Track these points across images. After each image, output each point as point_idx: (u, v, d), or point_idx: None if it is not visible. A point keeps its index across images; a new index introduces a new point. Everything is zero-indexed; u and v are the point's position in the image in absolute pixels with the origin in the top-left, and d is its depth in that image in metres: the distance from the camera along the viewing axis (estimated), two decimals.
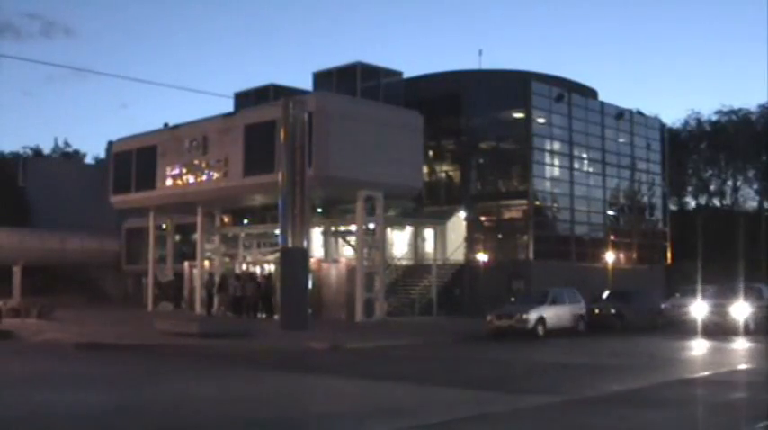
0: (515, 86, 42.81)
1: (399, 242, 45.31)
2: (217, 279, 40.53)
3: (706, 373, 19.07)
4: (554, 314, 30.88)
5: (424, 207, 43.69)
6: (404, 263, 43.78)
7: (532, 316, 29.97)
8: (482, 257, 42.51)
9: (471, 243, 43.54)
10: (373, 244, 36.92)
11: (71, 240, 54.10)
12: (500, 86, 43.52)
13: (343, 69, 40.03)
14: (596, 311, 33.71)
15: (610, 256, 43.46)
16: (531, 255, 41.45)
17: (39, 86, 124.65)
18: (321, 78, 40.68)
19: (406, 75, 42.32)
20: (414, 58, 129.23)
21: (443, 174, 46.12)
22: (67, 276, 53.34)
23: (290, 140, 29.81)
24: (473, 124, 44.60)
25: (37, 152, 79.04)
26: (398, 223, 43.70)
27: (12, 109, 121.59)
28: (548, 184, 43.78)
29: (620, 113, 47.78)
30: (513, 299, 33.95)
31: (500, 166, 45.00)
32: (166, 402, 14.14)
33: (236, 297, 38.60)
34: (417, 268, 42.96)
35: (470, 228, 43.89)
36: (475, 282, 41.41)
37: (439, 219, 43.65)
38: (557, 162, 44.30)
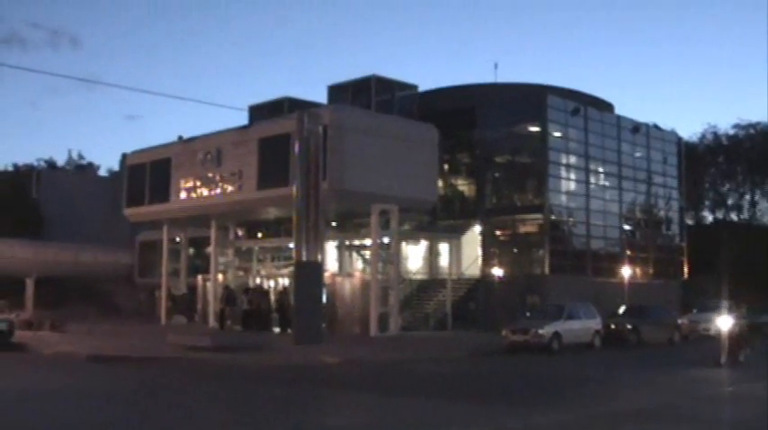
0: (531, 100, 42.87)
1: (414, 256, 45.33)
2: (220, 290, 40.71)
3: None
4: (570, 329, 30.83)
5: (439, 221, 43.72)
6: (418, 277, 43.77)
7: (548, 331, 29.92)
8: (497, 272, 42.46)
9: (486, 257, 43.51)
10: (388, 258, 36.97)
11: (84, 253, 54.36)
12: (515, 100, 43.60)
13: (357, 82, 40.22)
14: (612, 326, 33.61)
15: (626, 271, 43.35)
16: (546, 270, 41.40)
17: (45, 98, 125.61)
18: (336, 91, 40.88)
19: (421, 88, 42.57)
20: (429, 71, 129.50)
21: (458, 188, 46.17)
22: (80, 289, 53.55)
23: (305, 154, 29.99)
24: (488, 138, 44.66)
25: (51, 164, 79.52)
26: (413, 237, 43.73)
27: (22, 121, 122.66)
28: (563, 198, 43.75)
29: (637, 127, 47.76)
30: (528, 313, 33.90)
31: (515, 180, 45.00)
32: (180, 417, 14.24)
33: (244, 311, 38.72)
34: (432, 282, 42.95)
35: (485, 242, 43.87)
36: (490, 296, 41.38)
37: (454, 234, 43.68)
38: (572, 176, 44.28)
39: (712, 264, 48.81)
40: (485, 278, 42.43)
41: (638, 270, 46.25)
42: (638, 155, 48.10)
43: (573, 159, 44.28)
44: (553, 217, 42.80)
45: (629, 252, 46.27)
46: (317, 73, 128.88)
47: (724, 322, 26.57)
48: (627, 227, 47.48)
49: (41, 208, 61.02)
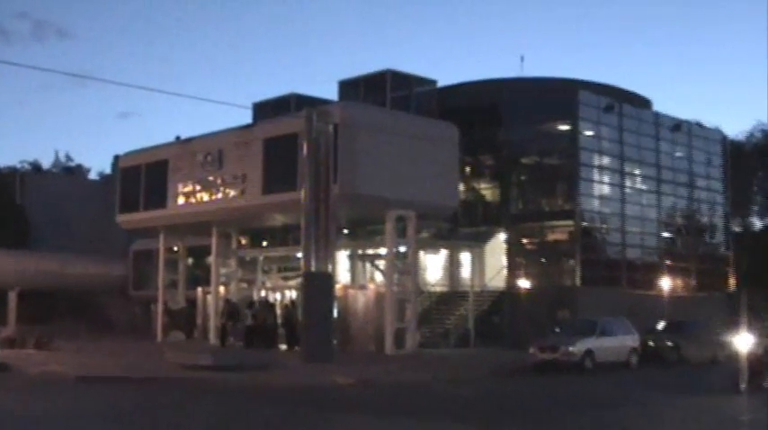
0: (560, 96, 42.98)
1: (433, 267, 45.50)
2: (221, 304, 41.00)
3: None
4: (603, 346, 30.87)
5: (461, 228, 43.87)
6: (438, 289, 43.92)
7: (580, 348, 30.00)
8: (524, 283, 42.56)
9: (512, 268, 43.62)
10: (404, 269, 37.13)
11: (73, 263, 54.75)
12: (544, 96, 43.70)
13: (371, 77, 40.44)
14: (650, 344, 33.65)
15: (665, 283, 43.33)
16: (577, 281, 41.46)
17: (32, 95, 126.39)
18: (347, 87, 41.11)
19: (441, 83, 42.70)
20: (448, 65, 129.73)
21: (481, 193, 46.31)
22: (69, 303, 53.88)
23: (314, 155, 30.21)
24: (514, 137, 44.80)
25: (36, 167, 79.98)
26: (432, 246, 43.88)
27: (4, 119, 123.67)
28: (596, 203, 43.81)
29: (677, 125, 47.76)
30: (558, 329, 33.98)
31: (544, 184, 45.12)
32: None
33: (248, 326, 38.96)
34: (453, 295, 43.09)
35: (511, 251, 43.99)
36: (516, 310, 41.46)
37: (476, 242, 43.82)
38: (606, 179, 44.35)
39: (762, 276, 48.71)
40: (510, 290, 42.53)
41: (678, 282, 46.23)
42: (678, 155, 48.13)
43: (606, 160, 44.36)
44: (585, 223, 42.88)
45: (668, 262, 46.28)
46: (327, 68, 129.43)
47: (743, 342, 25.00)
48: (666, 234, 47.51)
49: (26, 214, 61.41)
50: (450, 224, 42.56)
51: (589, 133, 43.44)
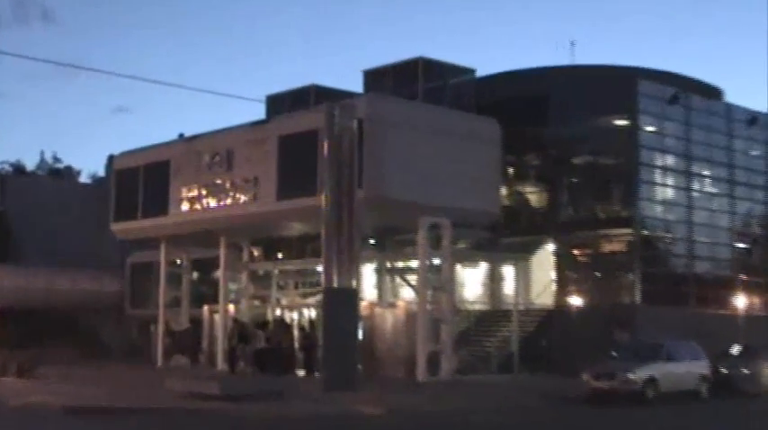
0: (617, 86, 43.03)
1: (471, 281, 45.69)
2: (230, 324, 41.43)
3: None
4: (668, 373, 30.94)
5: (503, 238, 44.00)
6: (477, 307, 44.11)
7: (640, 375, 30.09)
8: (575, 301, 42.68)
9: (561, 283, 43.73)
10: (439, 284, 37.37)
11: (61, 278, 55.28)
12: (598, 86, 43.73)
13: (400, 66, 40.68)
14: (723, 371, 33.68)
15: (739, 301, 43.29)
16: (637, 299, 41.51)
17: (14, 86, 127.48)
18: (373, 77, 41.37)
19: (479, 73, 42.89)
20: (488, 52, 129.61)
21: (526, 197, 46.47)
22: (57, 323, 54.23)
23: (336, 155, 30.53)
24: (563, 134, 44.88)
25: (19, 168, 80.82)
26: (470, 258, 44.08)
27: None
28: (658, 209, 43.86)
29: (753, 118, 47.65)
30: (615, 353, 34.11)
31: (598, 187, 45.16)
32: None
33: (261, 350, 39.39)
34: (494, 314, 43.27)
35: (560, 264, 44.09)
36: (566, 331, 41.54)
37: (521, 254, 43.93)
38: (670, 181, 44.38)
39: None
40: (560, 309, 42.64)
41: (754, 299, 46.12)
42: (755, 153, 48.05)
43: (670, 160, 44.40)
44: (646, 232, 42.93)
45: (743, 276, 46.19)
46: (350, 56, 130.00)
47: None
48: (741, 245, 47.40)
49: (7, 222, 62.07)
50: (491, 233, 42.71)
51: (650, 128, 43.51)
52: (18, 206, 62.25)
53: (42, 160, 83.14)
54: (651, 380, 30.22)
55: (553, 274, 44.04)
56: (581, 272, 44.74)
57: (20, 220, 61.35)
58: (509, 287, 44.48)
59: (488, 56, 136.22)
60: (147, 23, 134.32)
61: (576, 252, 45.06)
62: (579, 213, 45.39)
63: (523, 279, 43.89)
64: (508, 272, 44.94)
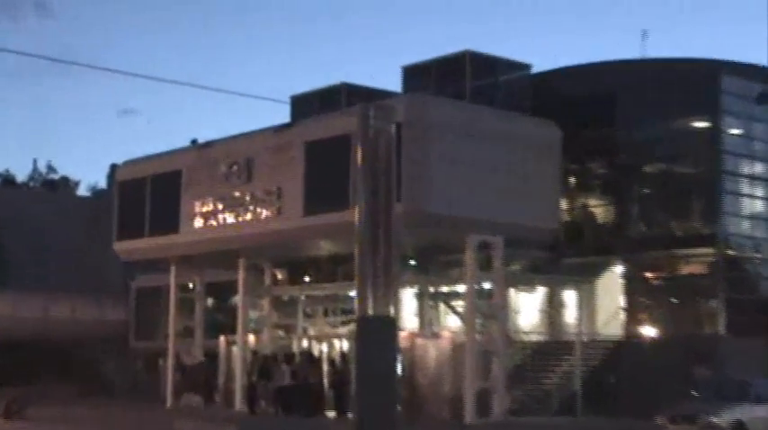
0: (696, 82, 42.91)
1: (527, 308, 45.67)
2: (250, 357, 41.70)
3: None
4: (759, 417, 30.82)
5: (563, 258, 44.00)
6: (534, 338, 44.11)
7: (726, 419, 30.02)
8: (648, 331, 42.60)
9: (632, 310, 43.58)
10: (490, 311, 37.52)
11: (57, 305, 55.93)
12: (674, 83, 43.56)
13: (445, 62, 40.87)
14: None
15: None
16: (721, 329, 41.34)
17: (3, 84, 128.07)
18: (414, 74, 41.60)
19: (536, 68, 43.07)
20: (545, 44, 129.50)
21: (591, 211, 46.46)
22: (51, 356, 54.85)
23: (370, 163, 30.52)
24: (634, 138, 44.80)
25: (8, 180, 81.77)
26: (526, 281, 44.12)
27: None
28: (746, 225, 43.64)
29: None
30: (695, 393, 34.07)
31: (674, 199, 45.07)
32: None
33: (285, 387, 39.67)
34: (554, 346, 43.25)
35: (630, 288, 43.96)
36: (637, 366, 41.45)
37: (584, 277, 43.93)
38: (759, 192, 44.20)
39: None
40: (629, 340, 42.54)
41: None
42: None
43: (759, 167, 44.19)
44: (730, 252, 42.70)
45: None
46: (386, 50, 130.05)
47: None
48: None
49: None
50: (550, 253, 42.66)
51: (736, 131, 43.37)
52: (6, 223, 62.88)
53: (35, 170, 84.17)
54: (739, 425, 30.12)
55: (622, 301, 43.88)
56: (654, 297, 44.59)
57: (8, 239, 62.02)
58: (571, 315, 44.50)
59: (546, 49, 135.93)
60: (151, 17, 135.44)
61: (648, 275, 44.90)
62: (652, 230, 45.22)
63: (587, 305, 43.91)
64: (570, 297, 44.98)
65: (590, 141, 43.85)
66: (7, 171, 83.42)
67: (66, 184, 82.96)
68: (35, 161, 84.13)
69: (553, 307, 45.40)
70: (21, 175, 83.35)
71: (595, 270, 44.32)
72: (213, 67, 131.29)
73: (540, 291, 45.69)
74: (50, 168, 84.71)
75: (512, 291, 42.58)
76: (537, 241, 39.39)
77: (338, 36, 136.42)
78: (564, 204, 42.42)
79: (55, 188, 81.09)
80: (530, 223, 36.88)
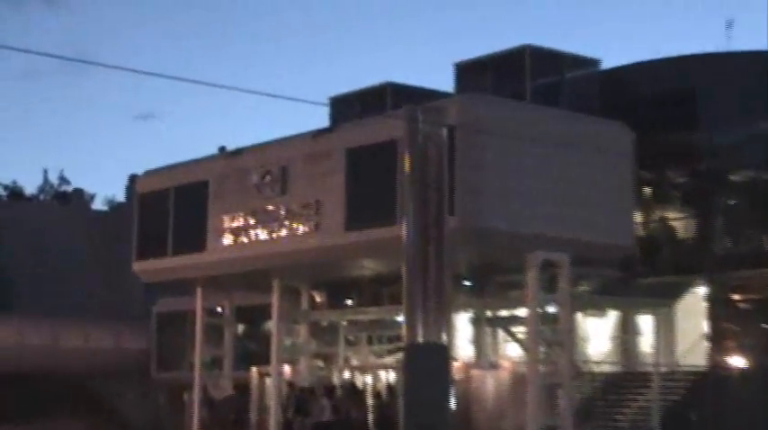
0: None
1: (597, 335, 45.70)
2: (286, 390, 42.01)
3: None
4: None
5: (638, 279, 43.98)
6: (605, 369, 44.13)
7: None
8: (735, 361, 42.54)
9: (717, 337, 43.49)
10: (555, 338, 37.57)
11: (69, 332, 56.46)
12: (763, 79, 43.63)
13: (502, 58, 40.95)
14: None
15: None
16: None
17: (10, 86, 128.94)
18: (468, 72, 41.74)
19: (605, 64, 43.14)
20: (614, 37, 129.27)
21: (669, 225, 46.46)
22: (63, 390, 55.27)
23: (420, 172, 30.96)
24: (718, 142, 44.74)
25: (15, 192, 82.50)
26: (596, 305, 44.10)
27: None
28: None
29: None
30: None
31: (765, 211, 45.01)
32: None
33: (324, 423, 39.89)
34: (627, 378, 43.22)
35: (715, 312, 43.86)
36: (723, 400, 41.35)
37: (662, 299, 43.89)
38: None
39: None
40: (714, 371, 42.49)
41: None
42: None
43: None
44: None
45: None
46: (436, 46, 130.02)
47: None
48: None
49: (1, 261, 63.49)
50: (623, 273, 42.64)
51: None
52: (13, 240, 63.63)
53: (45, 181, 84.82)
54: None
55: (705, 326, 43.90)
56: (742, 322, 44.48)
57: (14, 259, 62.70)
58: (647, 343, 44.52)
59: (615, 42, 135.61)
60: (172, 13, 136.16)
61: (735, 297, 44.83)
62: (739, 246, 45.14)
63: (666, 332, 43.90)
64: (646, 322, 44.98)
65: (667, 146, 43.75)
66: (14, 182, 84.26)
67: (80, 197, 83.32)
68: (45, 171, 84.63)
69: (627, 333, 45.41)
70: (29, 187, 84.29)
71: (675, 291, 44.22)
72: (242, 67, 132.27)
73: (612, 316, 45.71)
74: (62, 179, 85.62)
75: (579, 316, 42.62)
76: (608, 259, 39.33)
77: (381, 31, 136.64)
78: (638, 217, 42.47)
79: (67, 201, 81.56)
80: (600, 239, 36.98)
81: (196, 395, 46.71)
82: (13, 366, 52.67)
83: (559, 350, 37.45)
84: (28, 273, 61.77)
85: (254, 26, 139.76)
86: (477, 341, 44.11)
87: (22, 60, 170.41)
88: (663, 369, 42.04)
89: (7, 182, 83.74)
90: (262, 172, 40.72)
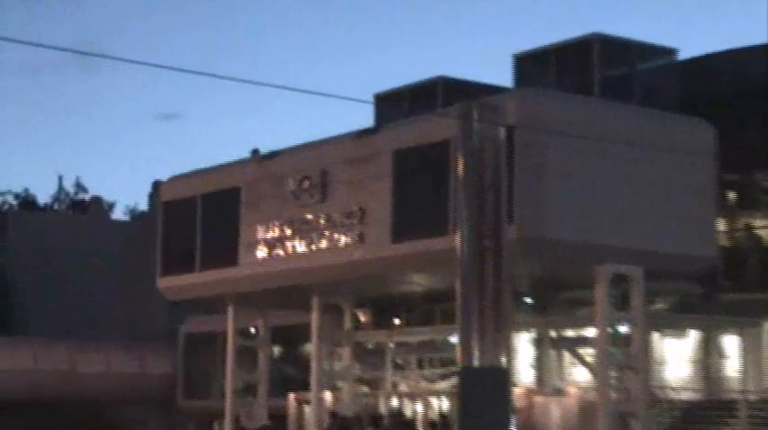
0: None
1: (676, 358, 45.51)
2: (327, 420, 42.00)
3: None
4: None
5: (722, 294, 43.77)
6: (685, 396, 43.94)
7: None
8: None
9: None
10: (627, 362, 37.44)
11: (87, 356, 56.80)
12: None
13: (567, 49, 40.85)
14: None
15: None
16: None
17: (17, 83, 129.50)
18: (528, 64, 41.68)
19: (683, 54, 43.01)
20: (693, 23, 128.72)
21: (756, 235, 46.25)
22: (81, 419, 55.66)
23: (475, 177, 31.00)
24: None
25: (26, 200, 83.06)
26: (673, 324, 43.93)
27: None
28: None
29: None
30: None
31: None
32: None
33: None
34: (711, 406, 42.94)
35: None
36: None
37: (749, 317, 43.70)
38: None
39: None
40: None
41: None
42: None
43: None
44: None
45: None
46: (493, 36, 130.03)
47: None
48: None
49: (8, 277, 63.86)
50: (705, 287, 42.52)
51: None
52: (25, 254, 64.03)
53: (60, 189, 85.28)
54: None
55: None
56: None
57: (28, 275, 63.10)
58: (732, 366, 44.31)
59: (693, 29, 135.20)
60: (196, 7, 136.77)
61: None
62: None
63: (754, 354, 43.66)
64: (731, 343, 44.76)
65: (754, 144, 43.67)
66: (26, 191, 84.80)
67: (99, 206, 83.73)
68: (60, 178, 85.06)
69: (709, 356, 45.19)
70: (43, 196, 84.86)
71: (763, 308, 44.02)
72: (272, 62, 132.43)
73: (692, 336, 45.48)
74: (79, 186, 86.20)
75: (655, 336, 42.51)
76: (687, 272, 39.19)
77: (431, 21, 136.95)
78: (721, 225, 42.27)
79: (85, 211, 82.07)
80: (677, 250, 36.85)
81: (227, 425, 46.90)
82: (26, 393, 53.06)
83: (633, 375, 37.35)
84: (41, 290, 62.04)
85: (284, 16, 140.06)
86: (540, 364, 44.02)
87: (26, 54, 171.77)
88: (751, 396, 41.75)
89: (18, 190, 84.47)
90: (299, 177, 40.83)
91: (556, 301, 42.99)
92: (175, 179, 48.43)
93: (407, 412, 42.99)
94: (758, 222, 46.39)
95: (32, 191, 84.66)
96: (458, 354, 31.41)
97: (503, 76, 42.43)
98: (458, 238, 30.87)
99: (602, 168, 35.33)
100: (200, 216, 45.19)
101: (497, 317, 30.49)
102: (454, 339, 34.46)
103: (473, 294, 30.37)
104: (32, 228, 67.51)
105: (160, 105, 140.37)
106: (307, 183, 40.49)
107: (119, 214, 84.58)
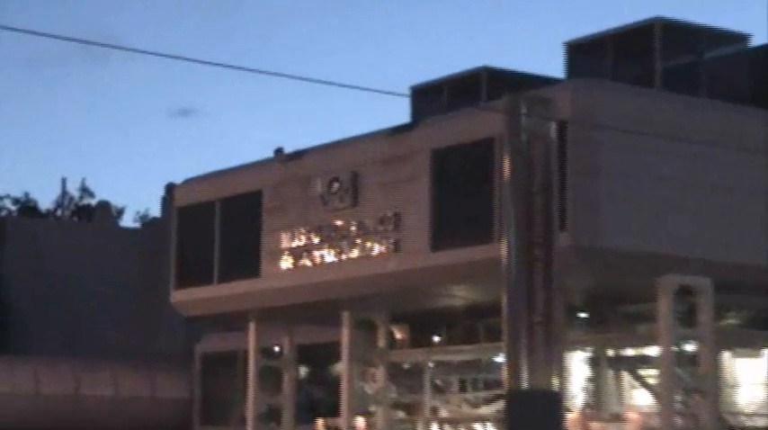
0: None
1: (749, 380, 45.42)
2: None
3: None
4: None
5: None
6: (761, 423, 43.84)
7: None
8: None
9: None
10: (694, 384, 37.38)
11: (94, 378, 57.05)
12: None
13: (625, 35, 40.82)
14: None
15: None
16: None
17: (17, 76, 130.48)
18: (582, 53, 41.67)
19: (756, 40, 42.94)
20: (766, 7, 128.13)
21: None
22: None
23: (523, 177, 31.06)
24: None
25: (27, 206, 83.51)
26: (746, 342, 43.84)
27: None
28: None
29: None
30: None
31: None
32: None
33: None
34: None
35: None
36: None
37: None
38: None
39: None
40: None
41: None
42: None
43: None
44: None
45: None
46: (542, 23, 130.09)
47: None
48: None
49: (4, 291, 64.15)
50: None
51: None
52: (25, 265, 64.35)
53: (64, 193, 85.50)
54: None
55: None
56: None
57: (28, 288, 63.42)
58: None
59: (758, 14, 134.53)
60: None
61: None
62: None
63: None
64: None
65: None
66: (27, 195, 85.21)
67: (107, 212, 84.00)
68: (64, 181, 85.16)
69: None
70: (45, 201, 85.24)
71: None
72: (296, 52, 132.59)
73: (767, 356, 45.43)
74: (85, 190, 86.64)
75: (726, 356, 42.41)
76: (761, 285, 39.16)
77: (473, 7, 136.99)
78: None
79: (91, 217, 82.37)
80: (750, 259, 36.70)
81: None
82: (28, 419, 53.27)
83: (700, 398, 37.25)
84: (43, 305, 62.31)
85: (308, 1, 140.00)
86: (597, 387, 43.95)
87: (26, 45, 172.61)
88: None
89: (18, 194, 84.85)
90: (327, 179, 40.85)
91: (614, 317, 42.81)
92: (191, 182, 48.51)
93: None
94: None
95: (33, 195, 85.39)
96: (504, 376, 31.57)
97: (553, 66, 42.42)
98: (504, 247, 30.88)
99: (665, 169, 35.20)
100: (219, 223, 45.23)
101: (548, 334, 30.50)
102: (500, 359, 34.43)
103: (521, 308, 30.38)
104: (33, 237, 67.77)
105: (174, 100, 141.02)
106: (336, 186, 40.48)
107: (128, 221, 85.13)
